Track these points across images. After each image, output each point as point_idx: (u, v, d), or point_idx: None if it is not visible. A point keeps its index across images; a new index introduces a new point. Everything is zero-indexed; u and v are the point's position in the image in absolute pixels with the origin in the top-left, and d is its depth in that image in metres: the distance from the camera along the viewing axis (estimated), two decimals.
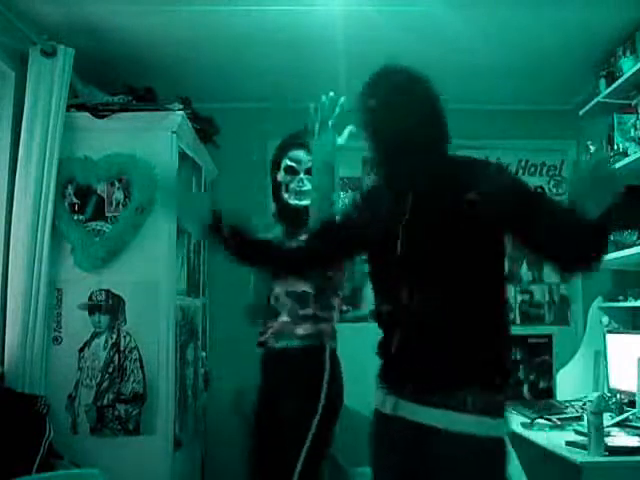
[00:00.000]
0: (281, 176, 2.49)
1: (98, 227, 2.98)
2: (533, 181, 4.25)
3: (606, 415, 2.51)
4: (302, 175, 2.45)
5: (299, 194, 2.45)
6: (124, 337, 2.94)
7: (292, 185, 2.46)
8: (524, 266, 4.20)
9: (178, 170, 3.10)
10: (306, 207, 2.39)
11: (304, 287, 2.41)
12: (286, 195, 2.48)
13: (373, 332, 1.77)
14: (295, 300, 2.42)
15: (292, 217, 2.47)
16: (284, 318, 2.43)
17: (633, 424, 2.64)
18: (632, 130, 2.97)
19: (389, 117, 1.68)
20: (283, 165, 2.49)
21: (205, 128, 3.51)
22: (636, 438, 2.45)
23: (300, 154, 2.46)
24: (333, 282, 2.44)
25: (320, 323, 2.43)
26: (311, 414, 2.34)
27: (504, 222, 1.63)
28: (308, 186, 2.41)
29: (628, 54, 3.05)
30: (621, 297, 3.24)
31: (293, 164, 2.47)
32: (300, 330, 2.41)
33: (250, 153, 4.17)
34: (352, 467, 3.23)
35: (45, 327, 2.86)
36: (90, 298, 2.95)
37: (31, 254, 2.83)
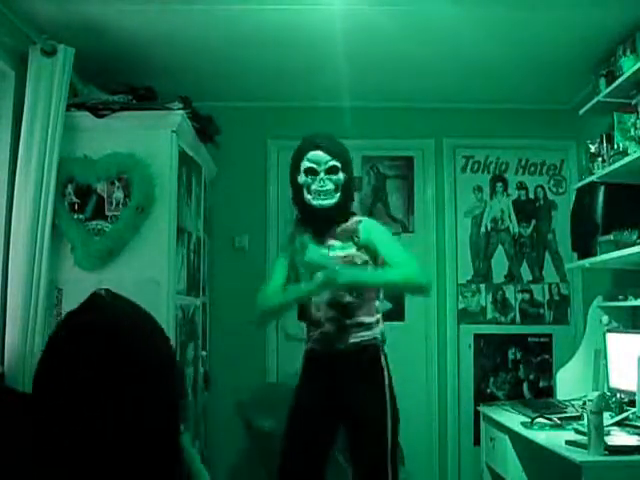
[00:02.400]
0: (302, 178, 2.49)
1: (98, 226, 2.97)
2: (533, 180, 4.26)
3: (606, 414, 2.51)
4: (322, 175, 2.45)
5: (322, 194, 2.45)
6: None
7: (313, 186, 2.46)
8: (524, 265, 4.21)
9: (178, 170, 3.10)
10: (331, 205, 2.44)
11: (348, 298, 2.43)
12: (309, 196, 2.47)
13: None
14: (338, 311, 2.44)
15: (317, 217, 2.49)
16: (329, 328, 2.44)
17: (633, 423, 2.64)
18: (632, 129, 2.96)
19: None
20: (302, 167, 2.49)
21: (205, 127, 3.51)
22: (636, 437, 2.45)
23: (319, 154, 2.47)
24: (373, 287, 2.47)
25: (372, 329, 2.47)
26: (383, 413, 2.40)
27: None
28: (329, 185, 2.44)
29: (628, 53, 3.05)
30: (621, 296, 3.24)
31: (312, 165, 2.47)
32: (352, 338, 2.44)
33: (250, 153, 4.18)
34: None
35: (45, 327, 2.86)
36: None
37: (31, 254, 2.83)
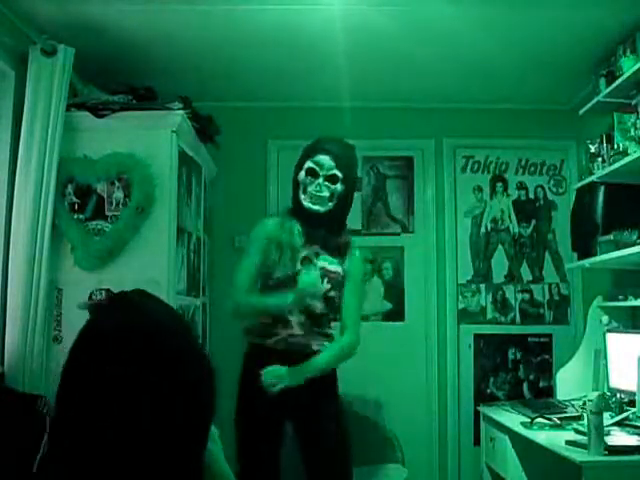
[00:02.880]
0: (301, 176, 2.50)
1: (98, 226, 2.97)
2: (533, 180, 4.26)
3: (606, 414, 2.52)
4: (321, 180, 2.45)
5: (314, 199, 2.46)
6: None
7: (309, 188, 2.47)
8: (524, 265, 4.21)
9: (178, 170, 3.10)
10: (320, 212, 2.45)
11: (323, 309, 2.48)
12: (302, 196, 2.48)
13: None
14: (311, 318, 2.47)
15: (305, 219, 2.50)
16: (296, 331, 2.47)
17: (633, 423, 2.64)
18: (632, 129, 2.96)
19: None
20: (305, 166, 2.49)
21: (205, 127, 3.51)
22: (636, 437, 2.45)
23: (325, 159, 2.47)
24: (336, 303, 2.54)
25: (329, 339, 2.54)
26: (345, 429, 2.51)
27: None
28: (325, 192, 2.44)
29: (628, 53, 3.05)
30: (621, 296, 3.24)
31: (315, 167, 2.47)
32: (315, 345, 2.48)
33: (250, 153, 4.18)
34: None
35: (45, 327, 2.86)
36: (90, 297, 2.95)
37: (31, 254, 2.83)
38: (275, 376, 2.39)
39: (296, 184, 2.53)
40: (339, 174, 2.46)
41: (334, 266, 2.50)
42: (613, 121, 3.11)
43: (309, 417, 2.48)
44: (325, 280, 2.43)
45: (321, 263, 2.48)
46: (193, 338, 1.10)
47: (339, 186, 2.47)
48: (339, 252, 2.52)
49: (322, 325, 2.51)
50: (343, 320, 2.53)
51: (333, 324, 2.58)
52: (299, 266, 2.46)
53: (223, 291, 3.99)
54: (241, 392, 2.52)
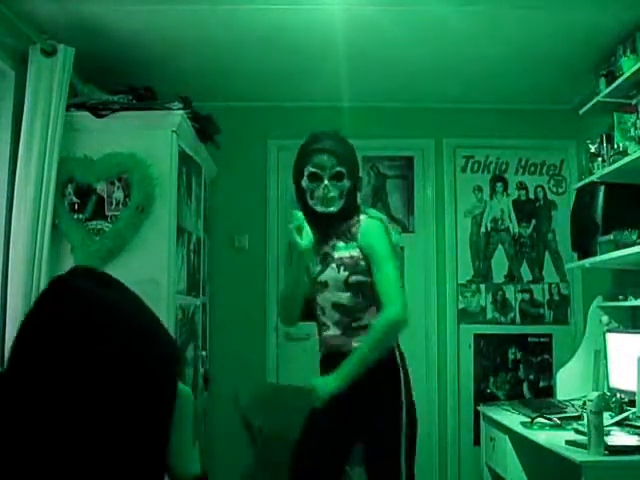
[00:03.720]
0: (305, 183, 2.40)
1: (98, 226, 2.97)
2: (533, 180, 4.26)
3: (606, 414, 2.51)
4: (326, 182, 2.37)
5: (325, 201, 2.37)
6: None
7: (317, 192, 2.37)
8: (524, 265, 4.21)
9: (178, 170, 3.10)
10: (333, 213, 2.37)
11: (351, 299, 2.33)
12: (312, 202, 2.39)
13: None
14: (343, 313, 2.35)
15: (320, 224, 2.40)
16: (335, 331, 2.36)
17: (633, 423, 2.64)
18: (632, 129, 2.96)
19: None
20: (306, 172, 2.40)
21: (205, 127, 3.51)
22: (636, 437, 2.45)
23: (324, 159, 2.38)
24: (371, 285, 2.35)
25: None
26: (397, 429, 2.26)
27: None
28: (334, 192, 2.36)
29: (628, 53, 3.05)
30: (621, 296, 3.24)
31: (317, 170, 2.38)
32: (354, 342, 2.32)
33: (250, 153, 4.18)
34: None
35: None
36: None
37: (31, 254, 2.83)
38: (313, 389, 2.24)
39: (302, 191, 2.43)
40: (343, 170, 2.38)
41: (348, 251, 2.36)
42: (613, 121, 3.11)
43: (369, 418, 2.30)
44: (342, 269, 2.33)
45: (337, 254, 2.37)
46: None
47: (346, 182, 2.39)
48: (351, 233, 2.38)
49: (357, 318, 2.34)
50: (380, 299, 2.28)
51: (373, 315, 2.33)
52: (319, 266, 2.38)
53: (224, 292, 4.02)
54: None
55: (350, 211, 2.43)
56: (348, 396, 2.23)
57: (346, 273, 2.33)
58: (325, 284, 2.36)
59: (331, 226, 2.41)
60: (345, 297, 2.35)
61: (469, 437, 4.03)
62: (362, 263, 2.35)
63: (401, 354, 2.36)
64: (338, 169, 2.38)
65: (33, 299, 2.81)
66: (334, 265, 2.35)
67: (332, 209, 2.38)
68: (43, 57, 2.90)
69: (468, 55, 3.41)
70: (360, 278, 2.34)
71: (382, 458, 2.27)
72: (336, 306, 2.36)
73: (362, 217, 2.41)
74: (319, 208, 2.39)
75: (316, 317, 2.45)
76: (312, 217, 2.40)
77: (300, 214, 2.33)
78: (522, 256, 4.22)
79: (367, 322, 2.33)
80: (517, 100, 4.10)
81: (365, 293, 2.35)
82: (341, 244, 2.39)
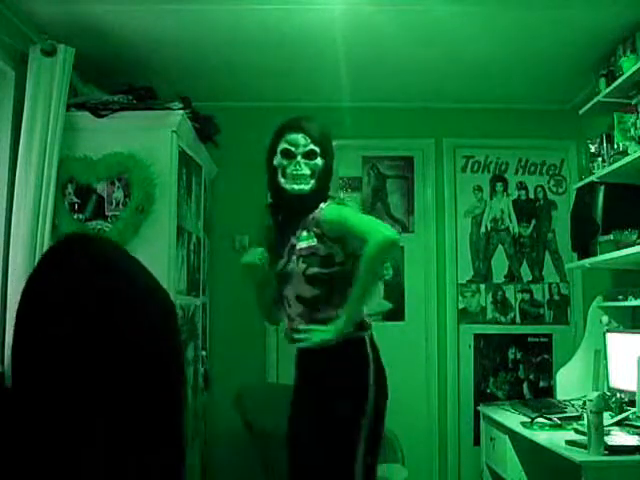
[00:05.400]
0: (277, 160, 2.35)
1: (98, 226, 2.97)
2: (533, 180, 4.26)
3: (606, 414, 2.52)
4: (299, 159, 2.32)
5: (296, 178, 2.31)
6: None
7: (288, 169, 2.32)
8: (524, 265, 4.21)
9: (178, 170, 3.10)
10: (304, 191, 2.31)
11: (312, 292, 2.29)
12: (282, 180, 2.33)
13: None
14: (307, 305, 2.31)
15: (289, 203, 2.35)
16: (299, 324, 2.33)
17: (633, 423, 2.64)
18: (632, 129, 2.97)
19: None
20: (279, 149, 2.36)
21: (205, 127, 3.51)
22: (636, 437, 2.45)
23: (298, 137, 2.34)
24: (343, 273, 2.29)
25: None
26: (360, 414, 2.24)
27: None
28: (305, 170, 2.31)
29: (628, 53, 3.05)
30: (621, 296, 3.24)
31: (290, 147, 2.34)
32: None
33: (250, 153, 4.18)
34: None
35: None
36: None
37: (31, 254, 2.83)
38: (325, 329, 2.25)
39: (273, 169, 2.37)
40: (316, 148, 2.34)
41: (307, 241, 2.30)
42: (613, 121, 3.11)
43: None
44: (300, 261, 2.27)
45: (299, 245, 2.30)
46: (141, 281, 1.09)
47: (319, 160, 2.34)
48: (313, 221, 2.30)
49: (320, 310, 2.30)
50: (364, 238, 2.19)
51: (339, 310, 2.29)
52: (285, 257, 2.34)
53: (224, 292, 4.01)
54: None
55: (321, 194, 2.36)
56: (314, 382, 2.29)
57: (304, 265, 2.28)
58: (289, 276, 2.32)
59: (302, 211, 2.33)
60: (306, 289, 2.30)
61: (469, 437, 4.04)
62: (320, 254, 2.28)
63: (372, 343, 2.33)
64: (311, 147, 2.33)
65: None
66: (294, 257, 2.30)
67: (303, 187, 2.31)
68: (43, 57, 2.90)
69: (468, 55, 3.41)
70: (316, 270, 2.28)
71: (337, 441, 2.24)
72: (299, 298, 2.33)
73: (323, 205, 2.33)
74: (289, 186, 2.32)
75: (284, 309, 2.42)
76: (281, 198, 2.36)
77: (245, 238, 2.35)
78: (522, 256, 4.22)
79: (330, 315, 2.28)
80: (517, 100, 4.10)
81: (324, 285, 2.29)
82: (304, 234, 2.31)
